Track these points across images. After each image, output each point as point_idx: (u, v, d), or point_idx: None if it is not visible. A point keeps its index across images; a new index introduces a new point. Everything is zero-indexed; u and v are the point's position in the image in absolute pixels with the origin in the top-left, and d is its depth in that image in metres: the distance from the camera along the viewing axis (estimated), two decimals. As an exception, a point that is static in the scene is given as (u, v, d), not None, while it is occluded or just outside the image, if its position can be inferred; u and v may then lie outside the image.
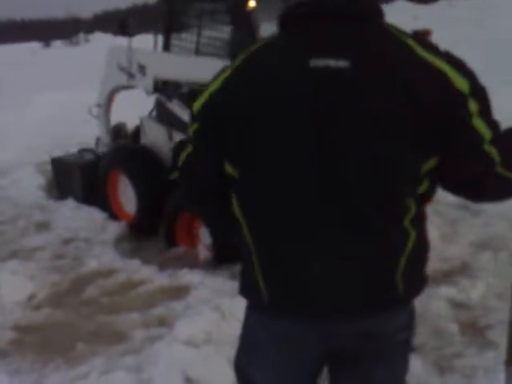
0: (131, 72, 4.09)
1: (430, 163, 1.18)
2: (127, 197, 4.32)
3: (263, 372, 1.33)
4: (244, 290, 1.35)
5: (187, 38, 4.00)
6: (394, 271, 1.22)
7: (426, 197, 1.25)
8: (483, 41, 9.48)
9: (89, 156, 4.76)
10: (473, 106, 1.14)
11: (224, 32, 3.84)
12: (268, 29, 3.75)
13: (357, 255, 1.20)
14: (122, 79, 4.24)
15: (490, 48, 8.59)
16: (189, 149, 1.33)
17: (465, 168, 1.20)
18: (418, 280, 1.30)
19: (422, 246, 1.27)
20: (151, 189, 4.13)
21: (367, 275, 1.21)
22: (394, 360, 1.35)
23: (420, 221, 1.25)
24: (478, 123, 1.16)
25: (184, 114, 3.89)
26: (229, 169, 1.27)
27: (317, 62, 1.14)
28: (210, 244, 3.64)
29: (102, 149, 4.75)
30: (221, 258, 3.56)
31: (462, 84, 1.14)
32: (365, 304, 1.23)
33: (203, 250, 3.69)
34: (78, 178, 4.64)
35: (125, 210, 4.41)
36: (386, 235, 1.20)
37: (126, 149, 4.61)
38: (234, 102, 1.20)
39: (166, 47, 4.12)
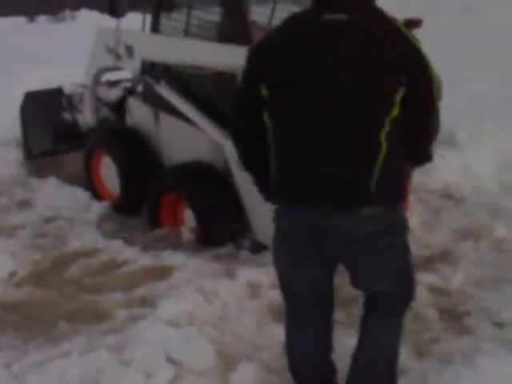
0: (118, 53, 4.01)
1: (400, 92, 1.66)
2: (110, 177, 4.29)
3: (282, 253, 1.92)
4: (273, 195, 1.91)
5: (176, 19, 3.92)
6: (369, 177, 1.70)
7: (397, 122, 1.70)
8: (472, 28, 9.51)
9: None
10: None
11: (214, 14, 3.78)
12: (259, 12, 3.71)
13: (342, 165, 1.71)
14: (109, 60, 4.17)
15: (478, 36, 8.62)
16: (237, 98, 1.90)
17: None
18: (390, 189, 1.77)
19: (394, 159, 1.74)
20: (134, 170, 4.10)
21: (348, 179, 1.72)
22: (381, 259, 1.81)
23: (392, 137, 1.70)
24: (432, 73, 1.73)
25: (172, 97, 3.86)
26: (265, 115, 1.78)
27: (327, 17, 1.69)
28: (193, 226, 3.64)
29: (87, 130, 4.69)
30: (204, 240, 3.56)
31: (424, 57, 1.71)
32: (343, 200, 1.73)
33: (187, 232, 3.68)
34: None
35: (108, 189, 4.38)
36: (363, 148, 1.70)
37: (110, 129, 4.55)
38: (269, 54, 1.76)
39: (155, 28, 4.05)
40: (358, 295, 2.11)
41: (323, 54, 1.68)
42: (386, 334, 1.99)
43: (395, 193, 1.82)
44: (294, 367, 2.08)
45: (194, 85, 3.85)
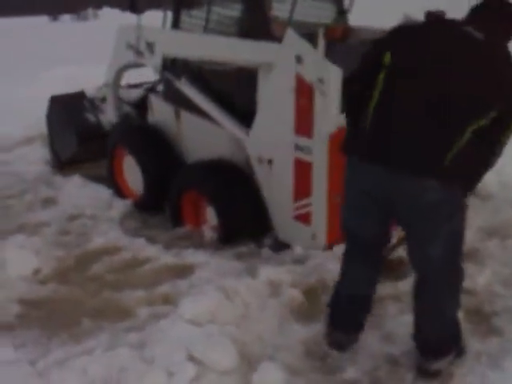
0: (139, 50, 4.03)
1: (493, 113, 2.07)
2: (133, 174, 4.31)
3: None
4: (353, 146, 2.28)
5: (197, 15, 3.92)
6: (448, 150, 2.05)
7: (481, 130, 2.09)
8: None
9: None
10: None
11: (234, 10, 3.77)
12: (280, 8, 3.68)
13: (429, 138, 2.08)
14: (131, 57, 4.19)
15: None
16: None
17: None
18: (462, 169, 2.09)
19: (473, 149, 2.08)
20: (156, 167, 4.11)
21: (429, 149, 2.08)
22: (439, 226, 2.13)
23: (476, 133, 2.07)
24: None
25: (192, 93, 3.85)
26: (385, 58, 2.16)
27: (466, 29, 2.13)
28: (215, 224, 3.64)
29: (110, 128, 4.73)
30: (225, 239, 3.55)
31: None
32: (419, 167, 2.07)
33: (208, 231, 3.68)
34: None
35: (130, 187, 4.40)
36: (451, 131, 2.07)
37: (132, 126, 4.58)
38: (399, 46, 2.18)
39: (175, 24, 4.05)
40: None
41: (451, 53, 2.08)
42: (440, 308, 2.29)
43: (465, 175, 2.14)
44: (339, 306, 2.48)
45: (215, 81, 3.85)
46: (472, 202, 3.94)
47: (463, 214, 2.20)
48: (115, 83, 4.66)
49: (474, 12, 2.20)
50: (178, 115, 4.10)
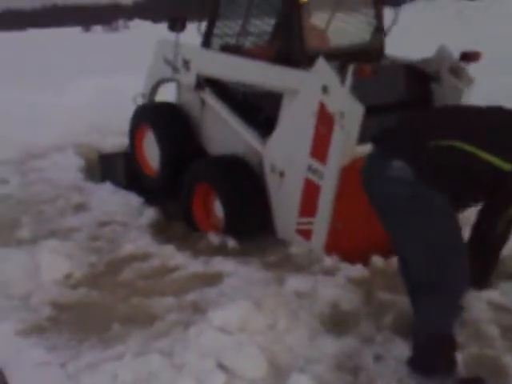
0: (176, 66, 4.15)
1: None
2: (152, 151, 4.39)
3: None
4: None
5: (230, 27, 3.99)
6: None
7: None
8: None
9: None
10: None
11: (269, 24, 3.83)
12: (319, 17, 3.71)
13: None
14: (168, 72, 4.30)
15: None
16: None
17: None
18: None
19: None
20: (175, 147, 4.22)
21: None
22: None
23: None
24: None
25: (215, 103, 3.97)
26: None
27: None
28: (221, 217, 3.76)
29: None
30: (230, 230, 3.69)
31: None
32: None
33: (214, 236, 3.80)
34: (122, 164, 4.79)
35: (149, 164, 4.48)
36: None
37: (157, 104, 4.68)
38: None
39: (206, 42, 4.13)
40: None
41: None
42: None
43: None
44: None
45: (237, 90, 3.97)
46: None
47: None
48: (151, 95, 4.79)
49: None
50: (203, 103, 4.18)
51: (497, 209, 2.16)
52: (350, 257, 3.25)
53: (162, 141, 4.26)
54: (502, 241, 2.30)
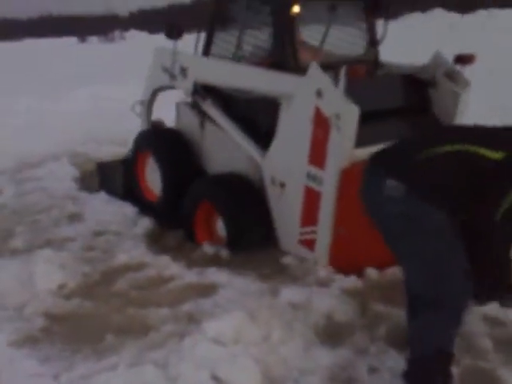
0: (173, 73, 4.18)
1: None
2: (154, 177, 4.40)
3: None
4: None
5: (227, 39, 4.02)
6: None
7: None
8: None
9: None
10: None
11: (263, 36, 3.87)
12: (310, 35, 3.75)
13: None
14: (165, 80, 4.34)
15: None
16: None
17: None
18: None
19: None
20: (176, 171, 4.22)
21: None
22: None
23: None
24: None
25: (216, 115, 3.99)
26: None
27: None
28: (223, 235, 3.75)
29: None
30: (232, 246, 3.67)
31: None
32: None
33: (208, 246, 3.81)
34: (120, 173, 4.78)
35: (151, 189, 4.49)
36: None
37: (157, 130, 4.71)
38: None
39: (207, 51, 4.16)
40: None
41: None
42: None
43: None
44: None
45: (238, 104, 3.98)
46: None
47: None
48: (150, 102, 4.81)
49: None
50: (202, 125, 4.21)
51: (493, 199, 2.12)
52: (355, 267, 3.23)
53: (163, 166, 4.27)
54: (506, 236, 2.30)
